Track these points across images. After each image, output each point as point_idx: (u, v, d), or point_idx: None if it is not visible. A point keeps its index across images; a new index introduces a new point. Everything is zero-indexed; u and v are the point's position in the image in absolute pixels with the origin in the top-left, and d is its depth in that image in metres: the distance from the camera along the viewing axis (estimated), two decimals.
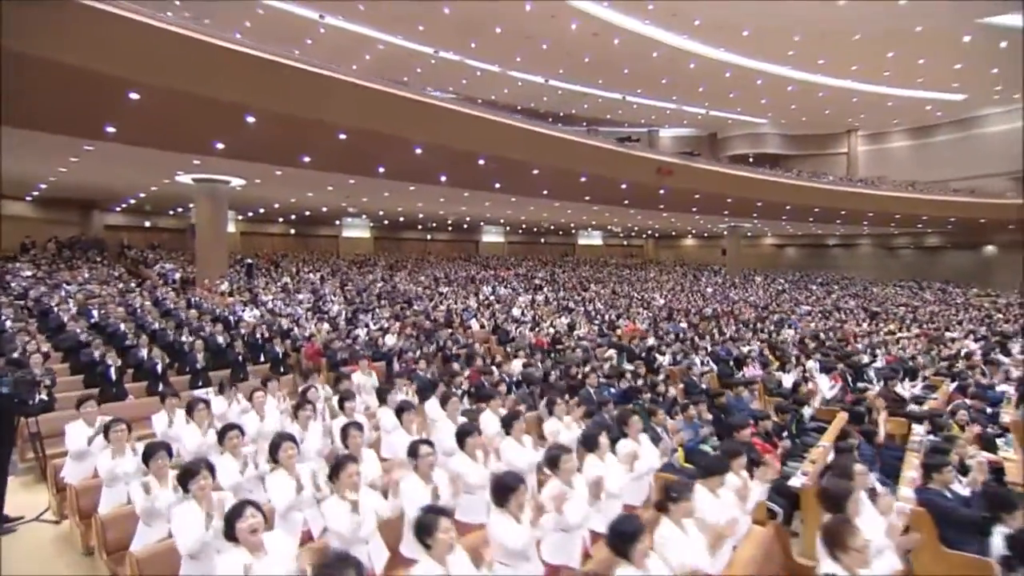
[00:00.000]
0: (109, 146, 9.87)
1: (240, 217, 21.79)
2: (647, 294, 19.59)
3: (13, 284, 11.29)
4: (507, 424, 4.07)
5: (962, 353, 10.02)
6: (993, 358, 9.13)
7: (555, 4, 16.29)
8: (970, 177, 23.61)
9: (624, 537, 2.35)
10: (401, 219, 24.41)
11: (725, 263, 28.12)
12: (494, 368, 7.82)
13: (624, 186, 15.94)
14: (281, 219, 23.29)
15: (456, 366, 7.81)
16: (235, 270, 15.32)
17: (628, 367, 8.22)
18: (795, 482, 4.24)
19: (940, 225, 24.42)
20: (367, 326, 10.69)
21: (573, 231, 30.98)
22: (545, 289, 18.83)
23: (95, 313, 9.41)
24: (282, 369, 8.04)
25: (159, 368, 7.04)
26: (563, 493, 2.99)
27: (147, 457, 3.38)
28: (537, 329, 11.85)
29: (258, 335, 8.86)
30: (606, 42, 18.60)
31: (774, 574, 3.17)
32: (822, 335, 12.49)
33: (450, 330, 10.78)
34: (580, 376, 7.12)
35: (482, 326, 12.28)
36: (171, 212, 20.14)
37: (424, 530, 2.32)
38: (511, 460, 3.83)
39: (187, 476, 2.94)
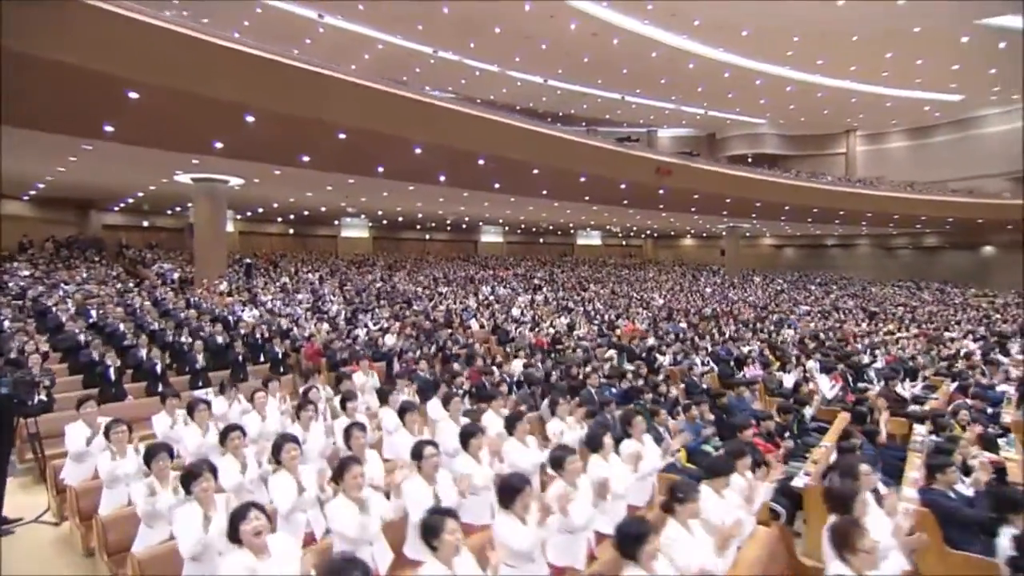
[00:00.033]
0: (108, 145, 9.81)
1: (239, 217, 21.70)
2: (646, 294, 19.58)
3: (11, 284, 11.23)
4: (510, 425, 4.06)
5: (961, 353, 10.05)
6: (992, 358, 9.16)
7: (554, 4, 16.28)
8: (968, 177, 23.68)
9: (632, 539, 2.33)
10: (400, 219, 24.36)
11: (724, 263, 28.13)
12: (495, 368, 7.80)
13: (623, 186, 15.93)
14: (280, 219, 23.20)
15: (456, 366, 7.78)
16: (234, 270, 15.26)
17: (629, 367, 8.22)
18: (798, 482, 4.23)
19: (938, 225, 24.44)
20: (367, 326, 10.66)
21: (572, 231, 30.95)
22: (544, 289, 18.81)
23: (93, 313, 9.37)
24: (282, 369, 8.01)
25: (158, 368, 7.01)
26: (568, 494, 2.97)
27: (149, 458, 3.36)
28: (537, 329, 11.84)
29: (258, 335, 8.83)
30: (605, 42, 18.59)
31: (778, 574, 3.16)
32: (822, 335, 12.50)
33: (450, 330, 10.75)
34: (581, 376, 7.11)
35: (482, 326, 12.26)
36: (169, 212, 20.05)
37: (431, 531, 2.30)
38: (515, 461, 3.81)
39: (189, 478, 2.94)
